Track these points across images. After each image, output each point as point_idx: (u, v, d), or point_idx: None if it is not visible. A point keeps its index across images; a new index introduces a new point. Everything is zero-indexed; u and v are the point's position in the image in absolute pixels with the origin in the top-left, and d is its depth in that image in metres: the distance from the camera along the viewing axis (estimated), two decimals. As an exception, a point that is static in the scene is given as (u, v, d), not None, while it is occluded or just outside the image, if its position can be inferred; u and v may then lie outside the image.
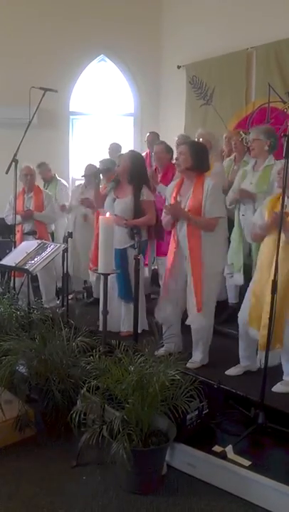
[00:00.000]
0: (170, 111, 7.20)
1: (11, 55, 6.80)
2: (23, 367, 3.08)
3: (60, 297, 4.86)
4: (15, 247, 4.37)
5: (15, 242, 4.55)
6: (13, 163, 4.26)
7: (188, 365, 3.40)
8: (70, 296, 5.00)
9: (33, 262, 3.62)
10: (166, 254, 4.29)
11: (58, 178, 6.12)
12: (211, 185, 3.32)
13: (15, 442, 2.87)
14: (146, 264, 4.56)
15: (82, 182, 5.47)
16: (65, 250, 3.94)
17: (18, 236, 4.78)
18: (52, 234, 5.54)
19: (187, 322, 3.52)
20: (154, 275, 4.97)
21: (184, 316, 3.63)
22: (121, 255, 3.88)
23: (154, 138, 5.63)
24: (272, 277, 2.74)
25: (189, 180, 3.43)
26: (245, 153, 4.40)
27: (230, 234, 4.05)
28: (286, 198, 2.98)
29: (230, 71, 6.26)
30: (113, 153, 5.82)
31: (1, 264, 3.94)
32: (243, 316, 3.24)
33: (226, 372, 3.39)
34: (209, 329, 3.53)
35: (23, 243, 4.19)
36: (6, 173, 4.24)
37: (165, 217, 3.55)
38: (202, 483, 2.52)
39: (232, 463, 2.51)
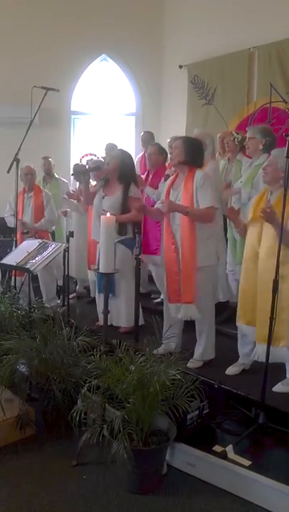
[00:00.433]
0: (172, 110, 7.20)
1: (13, 54, 6.81)
2: (23, 366, 3.09)
3: (61, 296, 4.87)
4: (16, 247, 4.37)
5: (16, 241, 4.56)
6: (15, 162, 4.26)
7: (189, 364, 3.40)
8: (71, 296, 5.00)
9: (34, 261, 3.63)
10: (154, 253, 4.33)
11: (57, 176, 6.13)
12: (200, 177, 3.35)
13: (15, 441, 2.88)
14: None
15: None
16: (66, 249, 3.94)
17: (18, 235, 4.78)
18: (53, 233, 5.55)
19: (179, 316, 3.49)
20: (152, 275, 4.97)
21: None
22: None
23: (148, 137, 5.63)
24: (260, 273, 2.86)
25: (182, 174, 3.47)
26: (238, 153, 4.46)
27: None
28: (269, 193, 3.07)
29: (232, 71, 6.25)
30: (109, 153, 5.83)
31: (2, 264, 3.94)
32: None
33: (226, 372, 3.39)
34: (211, 320, 3.53)
35: (24, 242, 4.20)
36: (8, 172, 4.25)
37: (154, 211, 3.58)
38: (202, 483, 2.52)
39: (232, 463, 2.51)
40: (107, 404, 2.67)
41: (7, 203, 5.07)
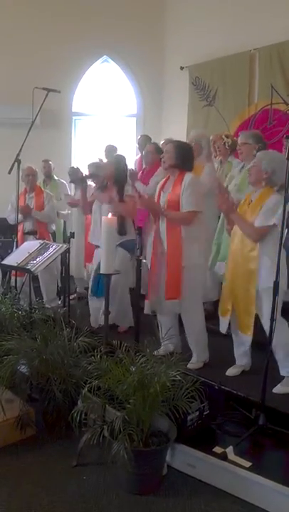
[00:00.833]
0: (173, 112, 7.21)
1: (14, 55, 6.82)
2: (24, 366, 3.09)
3: (62, 297, 4.87)
4: (16, 247, 4.38)
5: (16, 242, 4.57)
6: (16, 163, 4.27)
7: (189, 365, 3.41)
8: (71, 296, 5.01)
9: (35, 262, 3.63)
10: None
11: (56, 177, 6.14)
12: (188, 180, 3.39)
13: (16, 442, 2.88)
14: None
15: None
16: (67, 250, 3.94)
17: (19, 236, 4.79)
18: (53, 234, 5.56)
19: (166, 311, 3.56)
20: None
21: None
22: None
23: (144, 140, 5.65)
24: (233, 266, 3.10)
25: (172, 177, 3.53)
26: (228, 156, 4.55)
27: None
28: (253, 193, 3.22)
29: (233, 72, 6.26)
30: (109, 154, 5.84)
31: (3, 264, 3.95)
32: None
33: (226, 373, 3.39)
34: (199, 321, 3.53)
35: (26, 243, 4.21)
36: (9, 173, 4.26)
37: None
38: (202, 484, 2.52)
39: (232, 464, 2.51)
40: (107, 405, 2.67)
41: (9, 203, 5.08)
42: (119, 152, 5.69)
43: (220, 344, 3.66)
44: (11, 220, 4.95)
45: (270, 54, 5.82)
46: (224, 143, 4.53)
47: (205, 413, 2.77)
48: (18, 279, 4.48)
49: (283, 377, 3.17)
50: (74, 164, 6.06)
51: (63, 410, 2.84)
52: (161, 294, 3.46)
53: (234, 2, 6.21)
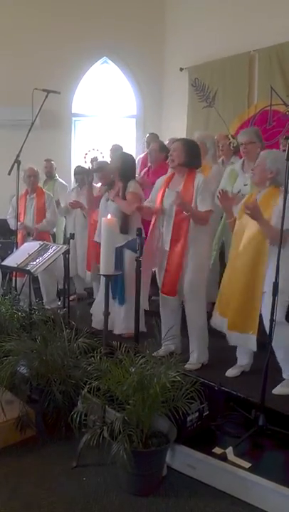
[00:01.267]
0: (172, 113, 7.22)
1: (14, 56, 6.84)
2: (24, 367, 3.09)
3: (62, 298, 4.88)
4: (16, 248, 4.38)
5: (16, 243, 4.57)
6: (16, 164, 4.28)
7: (187, 366, 3.40)
8: (71, 298, 5.01)
9: (34, 263, 3.63)
10: None
11: (58, 178, 6.15)
12: (201, 180, 3.41)
13: (15, 442, 2.88)
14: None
15: (75, 186, 5.49)
16: (67, 251, 3.94)
17: (19, 237, 4.79)
18: (53, 235, 5.56)
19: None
20: (153, 277, 4.96)
21: (183, 315, 3.64)
22: (116, 256, 3.86)
23: (152, 139, 5.65)
24: (239, 266, 3.05)
25: (180, 175, 3.51)
26: (231, 156, 4.51)
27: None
28: (258, 193, 3.17)
29: (233, 74, 6.28)
30: (115, 154, 5.84)
31: (3, 265, 3.95)
32: None
33: (225, 374, 3.40)
34: (202, 322, 3.54)
35: (25, 244, 4.20)
36: (9, 174, 4.26)
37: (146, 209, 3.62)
38: (202, 485, 2.52)
39: (232, 465, 2.51)
40: (107, 406, 2.67)
41: (10, 205, 5.09)
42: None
43: (220, 345, 3.65)
44: (12, 226, 4.97)
45: (269, 55, 5.83)
46: (230, 143, 4.48)
47: (205, 414, 2.77)
48: (18, 280, 4.48)
49: (283, 378, 3.17)
50: (79, 164, 6.03)
51: (63, 411, 2.84)
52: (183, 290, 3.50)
53: (233, 3, 6.23)
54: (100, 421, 2.66)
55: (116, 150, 5.85)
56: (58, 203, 5.55)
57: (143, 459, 2.43)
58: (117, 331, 4.13)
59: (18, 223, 4.68)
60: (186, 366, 3.32)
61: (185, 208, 3.35)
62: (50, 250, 3.71)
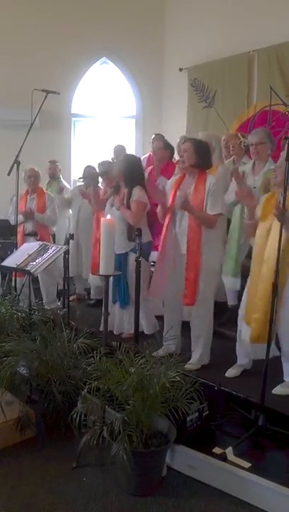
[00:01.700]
0: (172, 113, 7.22)
1: (14, 57, 6.83)
2: (23, 368, 3.09)
3: (61, 299, 4.88)
4: (16, 249, 4.39)
5: (16, 244, 4.57)
6: (15, 164, 4.28)
7: (187, 366, 3.39)
8: (71, 298, 5.01)
9: (34, 263, 3.63)
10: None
11: (62, 179, 6.15)
12: (213, 182, 3.37)
13: (15, 443, 2.88)
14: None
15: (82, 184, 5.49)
16: (67, 252, 3.94)
17: (19, 237, 4.80)
18: (53, 235, 5.56)
19: (186, 318, 3.54)
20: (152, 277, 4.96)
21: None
22: (120, 260, 3.87)
23: (157, 138, 5.64)
24: (263, 273, 2.87)
25: (191, 177, 3.47)
26: (243, 156, 4.41)
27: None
28: (280, 195, 3.03)
29: (232, 74, 6.27)
30: (118, 155, 5.83)
31: (3, 266, 3.95)
32: (241, 312, 3.28)
33: (225, 374, 3.40)
34: (209, 325, 3.54)
35: (25, 244, 4.20)
36: (8, 174, 4.26)
37: (161, 209, 3.57)
38: (202, 485, 2.53)
39: (232, 465, 2.52)
40: (107, 406, 2.67)
41: (10, 205, 5.09)
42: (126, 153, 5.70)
43: (219, 345, 3.66)
44: (12, 221, 4.98)
45: (268, 55, 5.83)
46: (240, 142, 4.37)
47: (204, 414, 2.77)
48: (17, 280, 4.48)
49: (282, 378, 3.17)
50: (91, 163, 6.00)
51: (63, 412, 2.84)
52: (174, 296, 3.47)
53: (233, 4, 6.22)
54: (99, 421, 2.66)
55: (119, 151, 5.84)
56: (61, 189, 5.56)
57: (143, 460, 2.43)
58: (121, 333, 4.15)
59: (23, 211, 4.70)
60: (186, 366, 3.31)
61: (187, 208, 3.34)
62: (50, 251, 3.71)
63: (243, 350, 3.38)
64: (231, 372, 3.40)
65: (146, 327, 4.11)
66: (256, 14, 5.87)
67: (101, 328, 4.08)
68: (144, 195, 3.95)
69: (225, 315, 4.24)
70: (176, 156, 4.89)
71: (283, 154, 3.05)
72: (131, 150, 7.02)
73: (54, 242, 5.24)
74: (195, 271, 3.37)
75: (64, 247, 3.85)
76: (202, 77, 6.71)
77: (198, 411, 2.72)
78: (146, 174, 4.70)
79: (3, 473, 2.63)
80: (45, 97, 4.24)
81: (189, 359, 3.51)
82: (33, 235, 5.05)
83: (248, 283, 3.24)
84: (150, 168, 4.93)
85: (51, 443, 2.90)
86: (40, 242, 3.98)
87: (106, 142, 6.58)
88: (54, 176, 6.09)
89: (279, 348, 3.16)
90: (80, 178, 5.22)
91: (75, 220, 5.45)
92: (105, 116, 7.65)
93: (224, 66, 6.38)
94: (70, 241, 4.08)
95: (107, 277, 2.77)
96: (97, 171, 5.03)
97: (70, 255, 4.05)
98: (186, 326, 3.66)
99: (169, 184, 3.69)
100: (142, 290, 3.44)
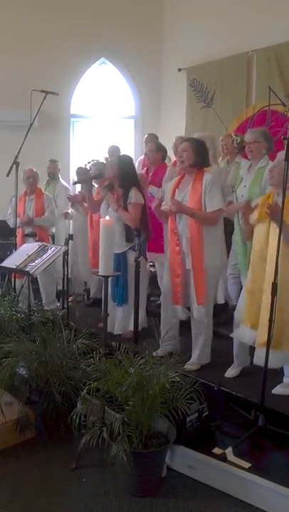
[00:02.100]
0: (171, 113, 7.22)
1: (13, 57, 6.83)
2: (23, 369, 3.09)
3: (61, 299, 4.87)
4: (15, 249, 4.38)
5: (15, 244, 4.57)
6: (14, 165, 4.28)
7: (187, 366, 3.39)
8: (70, 299, 5.01)
9: (33, 264, 3.63)
10: (163, 251, 4.32)
11: (60, 179, 6.15)
12: (209, 179, 3.38)
13: (15, 444, 2.88)
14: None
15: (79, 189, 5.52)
16: (66, 253, 3.94)
17: (18, 238, 4.80)
18: (52, 236, 5.56)
19: (180, 316, 3.55)
20: (152, 277, 4.97)
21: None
22: (118, 260, 3.87)
23: (150, 140, 5.66)
24: (268, 273, 2.83)
25: (189, 176, 3.48)
26: (236, 155, 4.44)
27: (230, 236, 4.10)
28: (276, 195, 3.06)
29: (231, 74, 6.27)
30: (112, 155, 5.84)
31: (2, 266, 3.95)
32: (238, 313, 3.28)
33: (225, 375, 3.40)
34: (209, 324, 3.54)
35: (24, 245, 4.20)
36: (7, 175, 4.26)
37: (159, 210, 3.57)
38: (202, 485, 2.53)
39: (232, 465, 2.52)
40: (106, 407, 2.67)
41: (9, 206, 5.09)
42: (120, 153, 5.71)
43: (219, 345, 3.66)
44: (11, 224, 4.99)
45: (267, 56, 5.83)
46: (232, 140, 4.41)
47: (204, 414, 2.77)
48: (17, 281, 4.48)
49: (282, 378, 3.17)
50: (83, 164, 6.03)
51: (62, 412, 2.84)
52: (191, 297, 3.45)
53: (232, 4, 6.22)
54: (99, 422, 2.65)
55: (113, 151, 5.85)
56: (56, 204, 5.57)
57: (143, 460, 2.43)
58: (115, 331, 4.14)
59: (18, 220, 4.70)
60: (185, 366, 3.32)
61: (181, 211, 3.35)
62: (49, 251, 3.71)
63: (241, 351, 3.38)
64: (231, 373, 3.40)
65: (125, 327, 4.12)
66: (255, 14, 5.87)
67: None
68: (140, 196, 3.99)
69: (223, 315, 4.24)
70: (172, 157, 4.91)
71: (281, 154, 3.06)
72: (130, 150, 7.03)
73: (53, 243, 5.25)
74: (199, 268, 3.37)
75: (63, 247, 3.85)
76: (201, 78, 6.71)
77: (198, 411, 2.72)
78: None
79: (3, 474, 2.63)
80: (44, 98, 4.24)
81: (189, 359, 3.51)
82: (32, 235, 5.05)
83: (246, 287, 3.21)
84: (145, 169, 4.96)
85: (51, 444, 2.90)
86: (40, 243, 3.98)
87: (105, 143, 6.57)
88: (53, 176, 6.09)
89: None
90: (74, 184, 5.25)
91: (73, 223, 5.50)
92: (104, 116, 7.65)
93: (223, 66, 6.38)
94: (70, 242, 4.09)
95: (106, 278, 2.77)
96: (90, 170, 5.08)
97: (69, 256, 4.06)
98: (184, 326, 3.66)
99: (169, 185, 3.69)
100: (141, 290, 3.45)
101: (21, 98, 4.49)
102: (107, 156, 5.86)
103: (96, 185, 4.92)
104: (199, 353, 3.54)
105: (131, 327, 4.05)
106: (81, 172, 5.41)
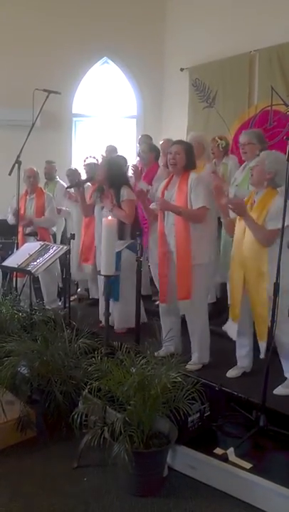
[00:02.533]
0: (173, 113, 7.22)
1: (15, 57, 6.83)
2: (24, 368, 3.09)
3: (62, 298, 4.88)
4: (17, 249, 4.39)
5: (17, 244, 4.57)
6: (17, 164, 4.28)
7: (188, 366, 3.40)
8: (72, 298, 5.01)
9: (35, 263, 3.63)
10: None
11: (58, 179, 6.15)
12: (194, 178, 3.45)
13: (16, 443, 2.88)
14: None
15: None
16: (68, 252, 3.94)
17: (19, 237, 4.80)
18: (54, 235, 5.56)
19: (181, 312, 3.59)
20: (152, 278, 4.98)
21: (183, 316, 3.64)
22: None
23: (144, 141, 5.66)
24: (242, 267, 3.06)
25: (177, 177, 3.56)
26: (223, 157, 4.62)
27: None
28: (255, 194, 3.16)
29: (233, 74, 6.27)
30: (109, 155, 5.84)
31: (4, 265, 3.95)
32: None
33: (226, 375, 3.39)
34: (204, 321, 3.55)
35: (26, 244, 4.21)
36: (9, 174, 4.26)
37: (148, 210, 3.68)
38: (203, 486, 2.52)
39: (233, 465, 2.51)
40: (108, 407, 2.67)
41: (9, 205, 5.09)
42: (119, 153, 5.71)
43: (220, 345, 3.66)
44: (10, 221, 5.00)
45: (269, 55, 5.83)
46: (218, 145, 4.58)
47: (206, 414, 2.77)
48: (18, 280, 4.48)
49: (284, 378, 3.17)
50: (73, 166, 6.04)
51: (64, 412, 2.84)
52: (174, 294, 3.49)
53: (234, 4, 6.22)
54: (100, 421, 2.65)
55: (111, 151, 5.86)
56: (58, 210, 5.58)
57: (144, 460, 2.43)
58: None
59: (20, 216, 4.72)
60: (187, 366, 3.32)
61: (167, 208, 3.44)
62: (51, 251, 3.72)
63: (243, 352, 3.38)
64: (232, 373, 3.40)
65: (117, 322, 4.16)
66: (257, 14, 5.87)
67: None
68: (131, 193, 4.08)
69: (224, 314, 4.23)
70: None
71: (263, 154, 3.19)
72: (131, 150, 7.03)
73: (54, 242, 5.25)
74: (185, 265, 3.42)
75: (65, 247, 3.85)
76: (203, 77, 6.71)
77: (200, 411, 2.72)
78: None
79: (4, 474, 2.63)
80: (47, 97, 4.25)
81: (190, 359, 3.51)
82: (33, 235, 5.05)
83: (230, 281, 3.34)
84: (140, 167, 5.00)
85: (52, 443, 2.90)
86: (42, 242, 3.98)
87: (107, 142, 6.56)
88: (49, 177, 6.08)
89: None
90: (67, 188, 5.27)
91: (71, 223, 5.52)
92: (106, 116, 7.65)
93: (225, 66, 6.38)
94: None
95: (107, 277, 2.77)
96: (84, 171, 5.11)
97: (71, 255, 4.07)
98: (186, 327, 3.65)
99: (160, 188, 3.75)
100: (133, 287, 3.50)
101: (23, 98, 4.48)
102: (104, 155, 5.86)
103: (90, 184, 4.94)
104: (199, 353, 3.55)
105: (123, 323, 4.14)
106: (71, 173, 5.45)
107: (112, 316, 4.16)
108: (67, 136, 7.48)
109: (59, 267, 5.13)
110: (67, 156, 7.37)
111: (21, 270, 3.78)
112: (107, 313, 2.85)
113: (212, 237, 3.78)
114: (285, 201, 2.70)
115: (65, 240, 5.09)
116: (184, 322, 3.66)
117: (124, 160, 4.80)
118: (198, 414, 2.70)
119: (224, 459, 2.54)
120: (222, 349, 3.63)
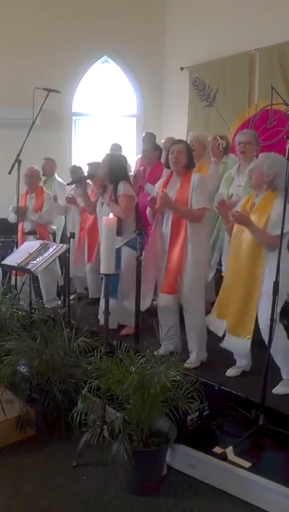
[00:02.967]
0: (173, 112, 7.21)
1: (15, 56, 6.82)
2: (24, 367, 3.09)
3: (62, 297, 4.88)
4: (17, 247, 4.39)
5: (17, 242, 4.57)
6: (16, 163, 4.28)
7: (186, 364, 3.39)
8: (71, 297, 5.01)
9: (35, 262, 3.63)
10: None
11: (56, 177, 6.14)
12: (197, 179, 3.49)
13: (15, 442, 2.88)
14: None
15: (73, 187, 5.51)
16: (67, 251, 3.94)
17: (19, 236, 4.80)
18: (54, 234, 5.56)
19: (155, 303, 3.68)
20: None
21: (181, 313, 3.66)
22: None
23: (147, 139, 5.66)
24: (240, 268, 3.08)
25: (178, 176, 3.58)
26: (223, 156, 4.62)
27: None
28: (255, 196, 3.16)
29: (233, 73, 6.26)
30: (114, 153, 5.83)
31: (4, 264, 3.95)
32: None
33: (226, 374, 3.40)
34: (201, 318, 3.55)
35: (26, 243, 4.21)
36: (9, 173, 4.26)
37: (150, 211, 3.66)
38: (202, 484, 2.52)
39: (232, 464, 2.51)
40: (107, 405, 2.67)
41: (11, 204, 5.10)
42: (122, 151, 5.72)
43: (220, 344, 3.66)
44: (11, 219, 4.99)
45: (270, 55, 5.82)
46: (218, 144, 4.58)
47: (205, 413, 2.77)
48: (18, 279, 4.48)
49: (282, 377, 3.17)
50: (77, 163, 6.02)
51: (63, 410, 2.84)
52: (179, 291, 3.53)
53: (234, 3, 6.21)
54: (100, 420, 2.66)
55: (115, 149, 5.86)
56: (55, 198, 5.57)
57: (143, 459, 2.43)
58: (101, 323, 4.15)
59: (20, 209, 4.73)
60: (185, 365, 3.32)
61: (168, 206, 3.45)
62: (51, 249, 3.71)
63: (240, 353, 3.38)
64: (231, 372, 3.41)
65: (113, 319, 4.09)
66: (257, 13, 5.86)
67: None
68: (130, 188, 4.06)
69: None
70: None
71: (262, 156, 3.19)
72: (132, 149, 7.03)
73: (54, 241, 5.25)
74: (175, 261, 3.45)
75: (65, 246, 3.85)
76: (203, 76, 6.70)
77: (199, 410, 2.72)
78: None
79: (3, 472, 2.63)
80: (47, 96, 4.24)
81: (188, 358, 3.52)
82: (33, 233, 5.05)
83: (223, 280, 3.38)
84: (142, 169, 4.99)
85: (51, 442, 2.90)
86: (41, 241, 3.98)
87: (107, 141, 6.56)
88: (46, 174, 6.07)
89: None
90: (68, 184, 5.26)
91: (71, 221, 5.51)
92: (106, 115, 7.64)
93: (225, 65, 6.37)
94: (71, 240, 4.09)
95: (107, 276, 2.77)
96: (86, 171, 5.11)
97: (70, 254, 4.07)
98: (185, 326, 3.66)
99: (157, 186, 3.76)
100: (132, 284, 3.48)
101: (23, 96, 4.48)
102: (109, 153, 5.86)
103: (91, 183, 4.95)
104: (197, 351, 3.57)
105: (120, 320, 4.15)
106: (74, 170, 5.45)
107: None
108: (67, 135, 7.48)
109: (58, 266, 5.13)
110: (67, 154, 7.36)
111: (21, 269, 3.78)
112: (107, 312, 2.85)
113: (208, 239, 3.81)
114: (285, 201, 2.70)
115: (65, 238, 5.08)
116: (182, 320, 3.67)
117: (124, 158, 4.80)
118: (197, 413, 2.70)
119: (223, 457, 2.55)
120: (221, 348, 3.63)
